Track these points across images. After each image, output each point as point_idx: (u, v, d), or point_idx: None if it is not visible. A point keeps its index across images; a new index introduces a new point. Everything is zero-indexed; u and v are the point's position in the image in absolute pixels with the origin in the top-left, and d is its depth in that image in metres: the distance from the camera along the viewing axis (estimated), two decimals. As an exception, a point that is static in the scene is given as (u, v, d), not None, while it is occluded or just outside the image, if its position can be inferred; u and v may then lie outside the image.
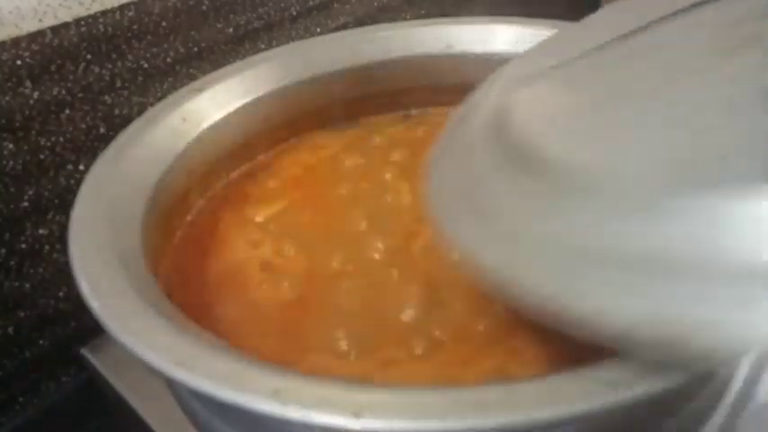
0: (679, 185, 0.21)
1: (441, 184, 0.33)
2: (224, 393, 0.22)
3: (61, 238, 0.46)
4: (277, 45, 0.54)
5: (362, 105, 0.50)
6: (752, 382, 0.32)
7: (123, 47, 0.46)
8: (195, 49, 0.50)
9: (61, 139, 0.44)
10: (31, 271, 0.45)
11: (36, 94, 0.42)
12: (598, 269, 0.22)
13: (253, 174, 0.45)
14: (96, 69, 0.45)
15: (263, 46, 0.56)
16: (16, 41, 0.40)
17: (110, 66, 0.45)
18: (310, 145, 0.48)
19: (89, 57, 0.44)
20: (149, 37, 0.47)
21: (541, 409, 0.20)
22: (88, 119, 0.45)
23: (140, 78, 0.47)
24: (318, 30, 0.60)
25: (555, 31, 0.46)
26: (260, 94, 0.44)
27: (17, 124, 0.42)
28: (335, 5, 0.61)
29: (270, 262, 0.37)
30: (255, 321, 0.33)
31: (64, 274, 0.47)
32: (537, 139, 0.27)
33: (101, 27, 0.44)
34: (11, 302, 0.44)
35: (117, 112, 0.47)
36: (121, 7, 0.45)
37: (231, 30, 0.53)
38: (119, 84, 0.46)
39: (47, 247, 0.45)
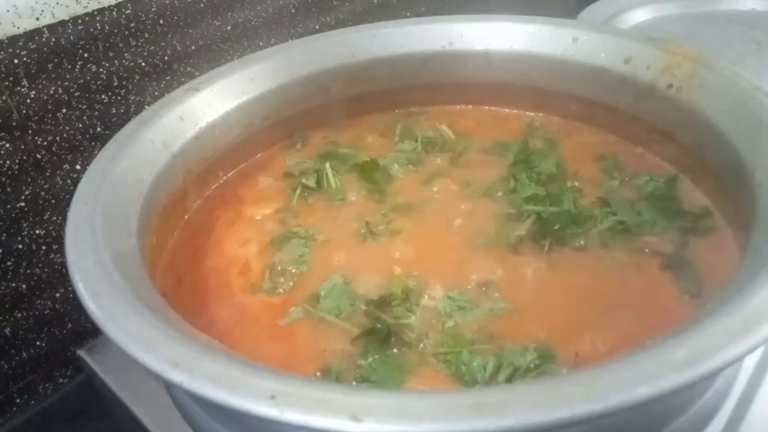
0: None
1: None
2: (221, 396, 0.22)
3: (58, 239, 0.46)
4: (275, 43, 0.53)
5: (361, 103, 0.50)
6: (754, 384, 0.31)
7: (120, 45, 0.45)
8: (193, 47, 0.50)
9: (58, 138, 0.44)
10: (28, 271, 0.45)
11: (33, 93, 0.42)
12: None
13: (250, 173, 0.45)
14: (93, 68, 0.44)
15: (261, 44, 0.55)
16: (13, 40, 0.40)
17: (107, 64, 0.45)
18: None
19: (86, 55, 0.44)
20: (147, 35, 0.47)
21: (538, 413, 0.20)
22: (85, 118, 0.45)
23: (137, 77, 0.47)
24: (317, 27, 0.60)
25: (554, 28, 0.46)
26: (258, 93, 0.44)
27: (14, 123, 0.41)
28: (334, 2, 0.61)
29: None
30: (250, 322, 0.33)
31: (61, 274, 0.46)
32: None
33: (98, 25, 0.44)
34: (8, 303, 0.44)
35: (114, 111, 0.46)
36: (119, 5, 0.44)
37: (229, 27, 0.52)
38: (116, 82, 0.46)
39: (43, 247, 0.45)
